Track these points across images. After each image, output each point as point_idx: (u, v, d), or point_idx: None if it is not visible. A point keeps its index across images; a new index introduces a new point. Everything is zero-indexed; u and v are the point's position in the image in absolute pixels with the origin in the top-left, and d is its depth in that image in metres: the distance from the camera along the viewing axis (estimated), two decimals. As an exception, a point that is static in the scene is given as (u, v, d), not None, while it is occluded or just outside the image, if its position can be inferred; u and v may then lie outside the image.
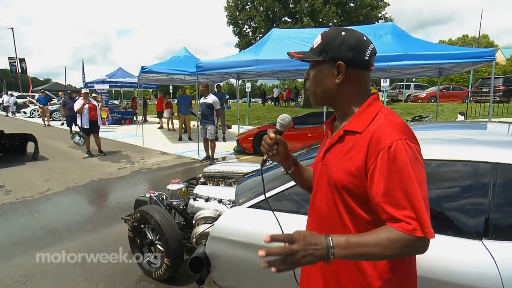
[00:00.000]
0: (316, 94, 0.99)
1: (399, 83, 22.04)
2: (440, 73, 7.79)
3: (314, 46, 0.95)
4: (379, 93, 18.89)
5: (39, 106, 15.83)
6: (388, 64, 5.74)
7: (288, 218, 1.80)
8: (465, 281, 1.31)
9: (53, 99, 20.18)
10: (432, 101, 18.17)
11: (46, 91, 18.35)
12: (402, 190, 0.79)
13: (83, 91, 8.18)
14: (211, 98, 6.87)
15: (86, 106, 7.43)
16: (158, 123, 14.23)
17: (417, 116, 8.02)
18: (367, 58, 0.91)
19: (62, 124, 15.14)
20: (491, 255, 1.31)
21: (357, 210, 0.88)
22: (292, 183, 1.84)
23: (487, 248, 1.33)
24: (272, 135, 1.06)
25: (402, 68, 7.35)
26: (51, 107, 16.78)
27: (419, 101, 19.17)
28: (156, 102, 14.48)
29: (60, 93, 18.09)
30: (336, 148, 0.94)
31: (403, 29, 6.97)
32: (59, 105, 16.31)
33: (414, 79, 21.43)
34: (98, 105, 8.26)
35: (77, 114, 7.55)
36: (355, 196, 0.88)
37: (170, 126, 13.21)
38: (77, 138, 7.57)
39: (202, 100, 6.86)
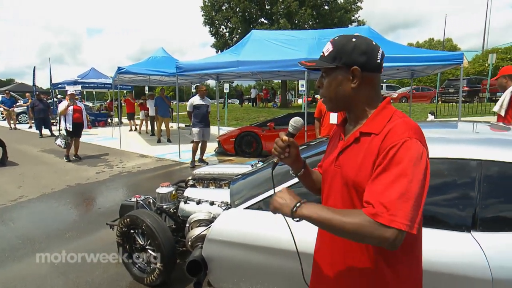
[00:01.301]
0: (332, 100, 1.01)
1: (372, 84, 22.84)
2: (412, 75, 8.17)
3: (325, 54, 0.98)
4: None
5: (4, 108, 14.89)
6: (366, 66, 5.94)
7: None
8: (456, 271, 1.40)
9: (19, 101, 19.06)
10: (404, 101, 19.01)
11: (11, 92, 17.28)
12: (389, 181, 0.80)
13: (69, 92, 7.83)
14: (208, 100, 6.72)
15: (71, 108, 7.11)
16: (132, 125, 13.61)
17: (392, 116, 8.35)
18: (379, 61, 0.95)
19: (30, 127, 14.34)
20: (480, 245, 1.40)
21: None
22: (289, 183, 1.88)
23: (475, 239, 1.42)
24: (285, 137, 1.07)
25: (377, 70, 7.62)
26: (17, 109, 15.84)
27: (391, 101, 19.93)
28: (125, 104, 13.65)
29: (27, 94, 17.10)
30: (352, 149, 0.97)
31: (378, 32, 7.28)
32: (26, 107, 15.45)
33: (385, 80, 22.32)
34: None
35: (61, 116, 7.21)
36: None
37: (143, 128, 12.81)
38: (59, 140, 7.19)
39: (200, 102, 6.61)
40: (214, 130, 11.76)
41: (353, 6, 22.63)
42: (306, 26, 21.04)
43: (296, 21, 20.84)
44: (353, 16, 22.97)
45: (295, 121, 1.11)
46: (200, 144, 6.72)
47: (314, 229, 1.02)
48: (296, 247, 1.17)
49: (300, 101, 29.35)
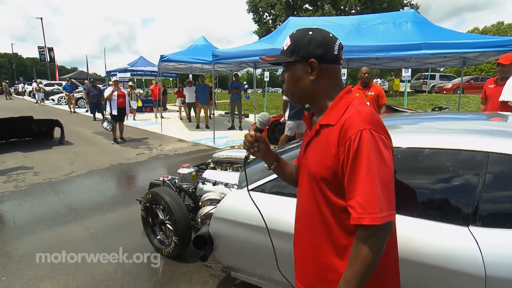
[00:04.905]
0: (294, 94, 1.04)
1: (423, 73, 21.23)
2: (464, 63, 7.47)
3: (285, 48, 1.01)
4: (401, 83, 18.34)
5: (65, 94, 16.54)
6: (406, 53, 5.57)
7: (288, 202, 1.89)
8: (448, 265, 1.35)
9: (79, 87, 20.96)
10: (458, 92, 17.45)
11: (72, 79, 19.08)
12: (358, 178, 0.84)
13: (113, 79, 8.52)
14: None
15: (115, 93, 7.74)
16: (157, 111, 13.19)
17: (437, 107, 7.78)
18: (336, 53, 0.97)
19: (87, 111, 15.77)
20: (476, 241, 1.34)
21: (334, 199, 0.93)
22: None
23: (472, 235, 1.36)
24: (252, 133, 1.12)
25: (422, 58, 7.11)
26: (76, 95, 17.46)
27: (444, 92, 18.43)
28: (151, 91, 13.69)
29: (85, 81, 18.80)
30: (314, 142, 1.00)
31: (425, 17, 6.74)
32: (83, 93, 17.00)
33: (441, 69, 20.56)
34: (132, 93, 8.52)
35: (107, 101, 7.86)
36: (331, 185, 0.93)
37: (183, 115, 13.37)
38: (105, 124, 7.87)
39: None
40: (251, 118, 11.96)
41: (405, -12, 21.03)
42: (353, 11, 20.09)
43: (342, 7, 19.98)
44: (405, -1, 21.37)
45: (261, 117, 1.14)
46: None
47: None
48: (269, 233, 1.23)
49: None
